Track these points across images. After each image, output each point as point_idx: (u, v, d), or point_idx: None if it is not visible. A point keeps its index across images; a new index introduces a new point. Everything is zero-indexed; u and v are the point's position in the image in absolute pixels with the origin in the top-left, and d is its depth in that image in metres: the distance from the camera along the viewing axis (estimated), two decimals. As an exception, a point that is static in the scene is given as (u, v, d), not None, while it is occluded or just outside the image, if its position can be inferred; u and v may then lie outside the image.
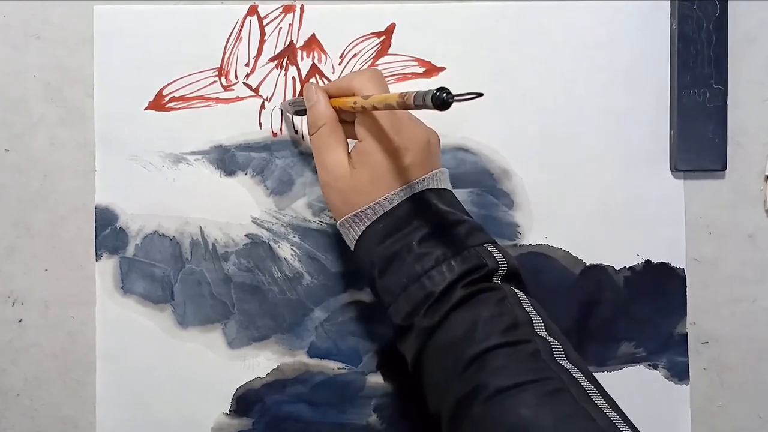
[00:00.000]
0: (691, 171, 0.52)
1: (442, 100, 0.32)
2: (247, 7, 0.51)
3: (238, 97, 0.51)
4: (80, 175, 0.51)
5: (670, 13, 0.51)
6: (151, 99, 0.51)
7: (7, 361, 0.51)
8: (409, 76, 0.51)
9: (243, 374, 0.51)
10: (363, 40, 0.51)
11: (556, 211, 0.52)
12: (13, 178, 0.51)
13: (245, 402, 0.51)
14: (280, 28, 0.51)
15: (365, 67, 0.51)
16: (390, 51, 0.51)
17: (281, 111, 0.51)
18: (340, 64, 0.51)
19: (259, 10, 0.51)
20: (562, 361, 0.37)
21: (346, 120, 0.43)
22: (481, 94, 0.32)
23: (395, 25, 0.51)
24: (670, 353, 0.52)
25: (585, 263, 0.52)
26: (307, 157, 0.51)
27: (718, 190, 0.52)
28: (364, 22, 0.51)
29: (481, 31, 0.51)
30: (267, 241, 0.51)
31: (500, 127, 0.51)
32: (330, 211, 0.47)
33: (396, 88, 0.51)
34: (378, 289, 0.41)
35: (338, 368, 0.51)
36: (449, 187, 0.43)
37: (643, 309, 0.52)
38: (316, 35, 0.51)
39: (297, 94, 0.51)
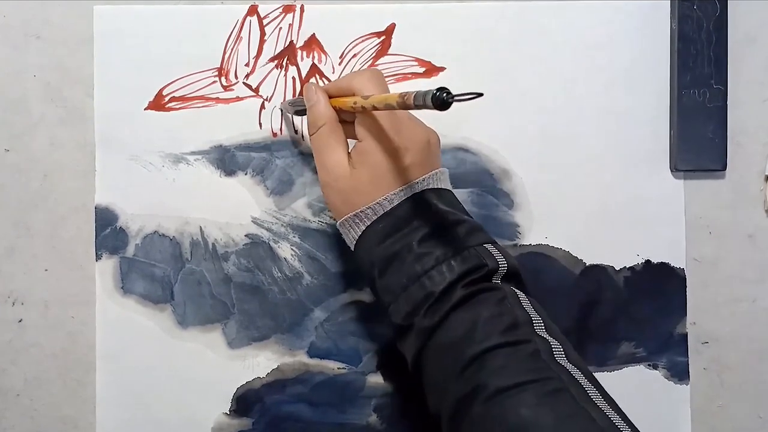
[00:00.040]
0: (691, 171, 0.52)
1: (442, 100, 0.32)
2: (247, 7, 0.51)
3: (238, 97, 0.51)
4: (80, 175, 0.51)
5: (670, 13, 0.51)
6: (151, 99, 0.51)
7: (7, 361, 0.51)
8: (409, 76, 0.51)
9: (243, 374, 0.51)
10: (363, 40, 0.51)
11: (556, 211, 0.52)
12: (13, 178, 0.51)
13: (245, 402, 0.51)
14: (280, 28, 0.51)
15: (365, 67, 0.51)
16: (390, 51, 0.51)
17: (281, 111, 0.51)
18: (340, 64, 0.51)
19: (259, 10, 0.51)
20: (562, 361, 0.37)
21: (346, 120, 0.43)
22: (481, 94, 0.32)
23: (395, 25, 0.51)
24: (670, 353, 0.52)
25: (585, 263, 0.52)
26: (307, 157, 0.51)
27: (718, 190, 0.52)
28: (364, 22, 0.51)
29: (481, 31, 0.51)
30: (267, 241, 0.51)
31: (500, 127, 0.51)
32: (330, 211, 0.47)
33: (396, 88, 0.51)
34: (378, 289, 0.41)
35: (338, 368, 0.51)
36: (449, 187, 0.43)
37: (643, 309, 0.52)
38: (316, 35, 0.51)
39: (297, 94, 0.51)
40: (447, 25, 0.51)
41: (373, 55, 0.51)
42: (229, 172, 0.51)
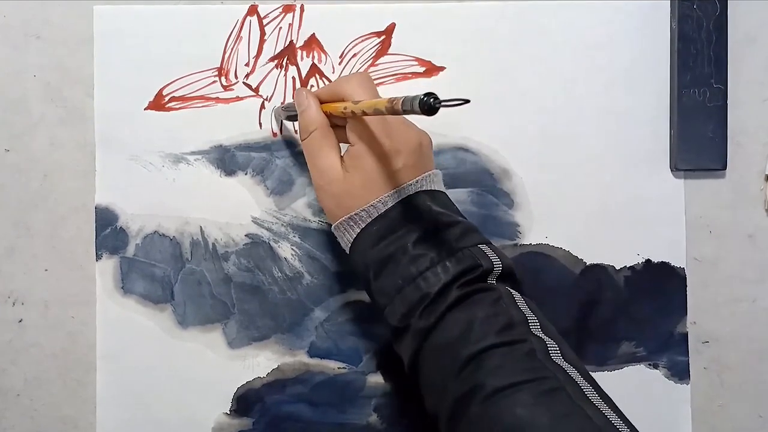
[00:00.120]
0: (691, 171, 0.52)
1: (429, 105, 0.32)
2: (247, 7, 0.51)
3: (238, 97, 0.51)
4: (80, 175, 0.51)
5: (670, 13, 0.51)
6: (151, 99, 0.51)
7: (7, 361, 0.51)
8: (409, 75, 0.51)
9: (243, 374, 0.51)
10: (363, 40, 0.51)
11: (556, 211, 0.52)
12: (13, 178, 0.51)
13: (245, 402, 0.51)
14: (280, 27, 0.51)
15: (365, 67, 0.51)
16: (390, 51, 0.51)
17: (274, 116, 0.51)
18: (340, 63, 0.51)
19: (259, 9, 0.51)
20: (558, 360, 0.37)
21: (338, 124, 0.43)
22: (468, 101, 0.32)
23: (395, 24, 0.51)
24: (670, 353, 0.52)
25: (585, 263, 0.52)
26: (307, 157, 0.51)
27: (718, 189, 0.52)
28: (364, 22, 0.51)
29: (481, 31, 0.51)
30: (267, 240, 0.51)
31: (500, 127, 0.51)
32: (325, 214, 0.47)
33: (396, 88, 0.50)
34: (373, 291, 0.41)
35: (338, 368, 0.51)
36: (443, 188, 0.43)
37: (643, 309, 0.52)
38: (316, 35, 0.51)
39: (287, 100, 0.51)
40: (447, 25, 0.51)
41: (373, 54, 0.51)
42: (229, 172, 0.51)
